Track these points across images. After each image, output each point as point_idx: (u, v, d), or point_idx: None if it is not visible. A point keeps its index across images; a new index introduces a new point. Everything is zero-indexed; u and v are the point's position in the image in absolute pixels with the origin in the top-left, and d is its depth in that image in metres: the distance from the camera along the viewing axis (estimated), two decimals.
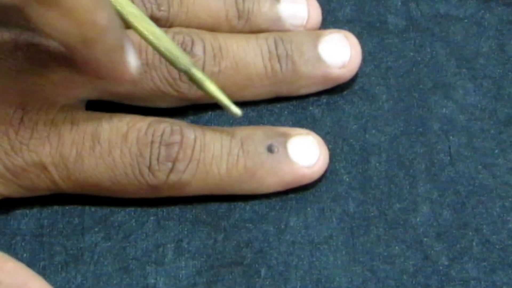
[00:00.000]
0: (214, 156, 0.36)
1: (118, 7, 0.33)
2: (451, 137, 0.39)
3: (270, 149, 0.37)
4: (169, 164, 0.35)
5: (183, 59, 0.35)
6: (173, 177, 0.36)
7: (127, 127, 0.36)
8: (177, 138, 0.36)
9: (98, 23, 0.31)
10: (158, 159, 0.35)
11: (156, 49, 0.35)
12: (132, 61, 0.34)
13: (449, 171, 0.38)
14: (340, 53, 0.39)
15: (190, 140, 0.36)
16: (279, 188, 0.37)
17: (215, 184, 0.36)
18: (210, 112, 0.40)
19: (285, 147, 0.37)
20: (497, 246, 0.37)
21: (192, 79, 0.35)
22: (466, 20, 0.42)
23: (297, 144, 0.37)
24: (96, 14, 0.31)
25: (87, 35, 0.31)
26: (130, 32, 0.34)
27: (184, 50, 0.37)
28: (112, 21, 0.32)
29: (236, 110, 0.36)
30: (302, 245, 0.37)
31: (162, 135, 0.36)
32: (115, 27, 0.32)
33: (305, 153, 0.37)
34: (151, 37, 0.34)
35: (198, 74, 0.35)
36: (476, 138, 0.39)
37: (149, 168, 0.35)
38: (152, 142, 0.35)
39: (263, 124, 0.39)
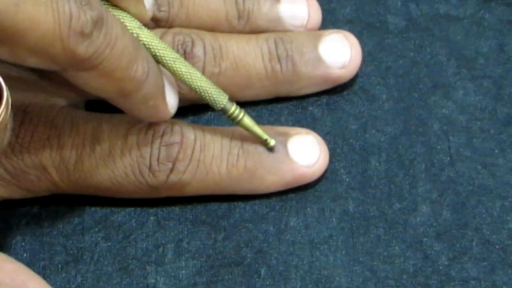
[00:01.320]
0: (214, 156, 0.36)
1: (153, 51, 0.34)
2: (451, 137, 0.39)
3: (270, 149, 0.37)
4: (169, 165, 0.35)
5: (219, 97, 0.35)
6: (173, 177, 0.36)
7: (127, 127, 0.36)
8: (177, 138, 0.36)
9: (134, 78, 0.31)
10: (158, 160, 0.35)
11: (191, 88, 0.35)
12: (171, 101, 0.35)
13: (449, 171, 0.38)
14: (340, 53, 0.39)
15: (190, 141, 0.36)
16: (279, 187, 0.37)
17: (215, 184, 0.36)
18: (210, 112, 0.40)
19: (285, 147, 0.37)
20: (497, 246, 0.37)
21: (229, 115, 0.36)
22: (466, 20, 0.42)
23: (297, 143, 0.37)
24: (132, 70, 0.31)
25: (125, 89, 0.32)
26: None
27: (184, 51, 0.37)
28: (149, 71, 0.32)
29: (273, 143, 0.36)
30: (302, 245, 0.37)
31: (162, 135, 0.36)
32: (152, 75, 0.33)
33: (305, 152, 0.37)
34: (186, 78, 0.35)
35: (235, 111, 0.36)
36: (476, 138, 0.39)
37: (149, 168, 0.35)
38: (152, 142, 0.36)
39: (263, 124, 0.39)
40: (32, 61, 0.29)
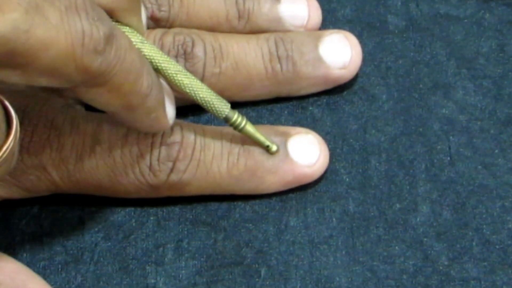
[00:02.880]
0: (215, 155, 0.36)
1: (156, 64, 0.34)
2: (451, 137, 0.39)
3: (272, 154, 0.37)
4: (170, 164, 0.35)
5: (221, 107, 0.35)
6: (174, 176, 0.36)
7: (127, 127, 0.36)
8: (177, 138, 0.36)
9: (140, 91, 0.31)
10: (158, 159, 0.35)
11: (193, 99, 0.35)
12: (170, 112, 0.34)
13: (449, 171, 0.38)
14: (340, 53, 0.39)
15: (190, 140, 0.36)
16: (280, 187, 0.37)
17: (215, 183, 0.36)
18: (209, 112, 0.39)
19: (285, 146, 0.37)
20: (497, 246, 0.37)
21: (231, 124, 0.36)
22: (466, 20, 0.42)
23: (297, 143, 0.37)
24: (138, 84, 0.31)
25: (130, 104, 0.32)
26: None
27: (185, 51, 0.37)
28: (152, 84, 0.32)
29: (275, 148, 0.36)
30: (302, 245, 0.37)
31: (162, 135, 0.36)
32: (155, 88, 0.32)
33: (305, 152, 0.37)
34: (189, 89, 0.35)
35: (237, 119, 0.36)
36: (476, 138, 0.39)
37: (150, 168, 0.35)
38: (152, 142, 0.36)
39: (263, 124, 0.39)
40: (44, 81, 0.28)
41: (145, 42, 0.33)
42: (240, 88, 0.38)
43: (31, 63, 0.27)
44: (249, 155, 0.36)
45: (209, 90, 0.35)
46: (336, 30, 0.40)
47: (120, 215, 0.38)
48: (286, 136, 0.37)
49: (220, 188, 0.37)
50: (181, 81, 0.34)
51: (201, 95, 0.35)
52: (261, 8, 0.39)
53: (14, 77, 0.28)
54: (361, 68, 0.39)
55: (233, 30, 0.39)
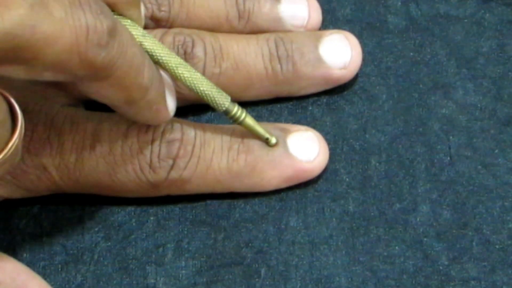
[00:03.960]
0: (215, 151, 0.36)
1: (157, 57, 0.34)
2: (451, 137, 0.39)
3: (271, 147, 0.37)
4: (170, 161, 0.36)
5: (221, 100, 0.36)
6: (174, 173, 0.36)
7: (127, 125, 0.36)
8: (177, 135, 0.36)
9: (142, 84, 0.31)
10: (158, 156, 0.35)
11: (194, 92, 0.35)
12: (171, 104, 0.35)
13: (449, 171, 0.38)
14: (341, 54, 0.39)
15: (190, 137, 0.36)
16: (280, 183, 0.37)
17: (215, 180, 0.36)
18: (210, 112, 0.40)
19: (285, 142, 0.37)
20: (497, 246, 0.37)
21: (231, 117, 0.36)
22: (466, 20, 0.42)
23: (296, 139, 0.37)
24: (140, 77, 0.31)
25: (132, 97, 0.32)
26: None
27: (185, 51, 0.37)
28: (153, 77, 0.32)
29: (274, 141, 0.37)
30: (302, 245, 0.37)
31: (162, 132, 0.36)
32: (156, 81, 0.33)
33: (304, 148, 0.37)
34: (189, 82, 0.35)
35: (237, 112, 0.36)
36: (476, 138, 0.39)
37: (150, 165, 0.35)
38: (152, 139, 0.36)
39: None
40: (49, 76, 0.28)
41: (146, 35, 0.33)
42: (240, 88, 0.38)
43: (37, 58, 0.27)
44: (249, 151, 0.36)
45: (210, 83, 0.35)
46: (336, 30, 0.40)
47: (120, 215, 0.38)
48: (285, 132, 0.37)
49: (220, 184, 0.37)
50: (181, 74, 0.34)
51: (201, 88, 0.35)
52: (261, 8, 0.39)
53: (19, 72, 0.28)
54: (361, 68, 0.39)
55: (233, 30, 0.39)
